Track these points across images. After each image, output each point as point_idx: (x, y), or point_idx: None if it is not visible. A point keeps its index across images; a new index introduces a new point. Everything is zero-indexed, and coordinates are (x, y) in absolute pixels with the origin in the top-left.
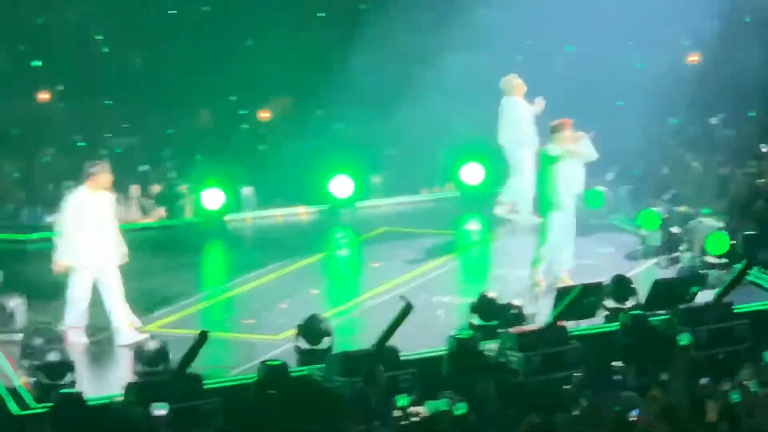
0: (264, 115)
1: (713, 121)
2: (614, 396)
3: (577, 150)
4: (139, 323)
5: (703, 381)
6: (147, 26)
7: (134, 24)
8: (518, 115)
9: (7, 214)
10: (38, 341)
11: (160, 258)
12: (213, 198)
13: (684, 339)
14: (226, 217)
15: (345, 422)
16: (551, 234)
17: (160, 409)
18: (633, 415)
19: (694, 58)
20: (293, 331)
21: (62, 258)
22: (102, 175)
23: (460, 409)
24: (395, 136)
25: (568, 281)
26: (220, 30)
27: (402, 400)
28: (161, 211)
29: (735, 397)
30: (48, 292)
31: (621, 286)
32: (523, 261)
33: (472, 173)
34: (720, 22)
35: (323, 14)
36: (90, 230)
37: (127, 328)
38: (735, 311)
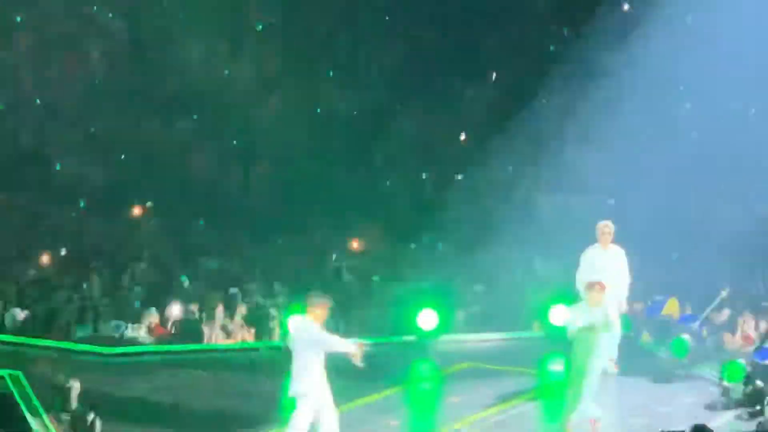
0: (355, 245)
1: None
2: None
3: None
4: None
5: None
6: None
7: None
8: (602, 264)
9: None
10: None
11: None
12: None
13: None
14: None
15: None
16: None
17: None
18: None
19: None
20: None
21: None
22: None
23: None
24: (483, 274)
25: None
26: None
27: None
28: (246, 333)
29: None
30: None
31: None
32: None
33: (560, 315)
34: None
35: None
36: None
37: None
38: None
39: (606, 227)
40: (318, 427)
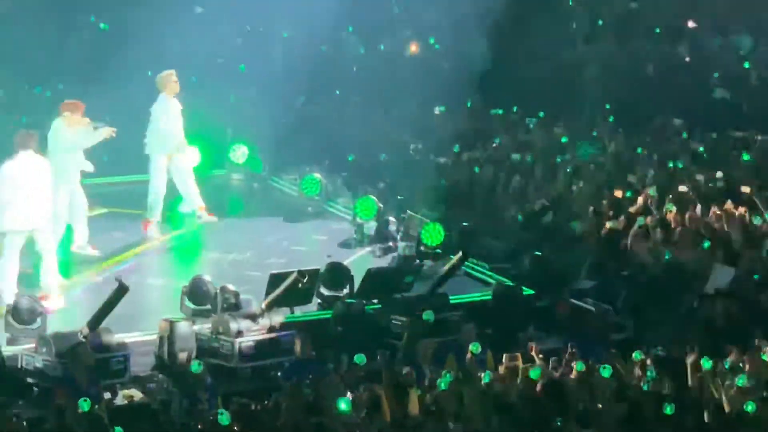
0: None
1: (437, 110)
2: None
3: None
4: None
5: (406, 369)
6: None
7: None
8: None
9: None
10: None
11: None
12: None
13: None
14: None
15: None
16: None
17: None
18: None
19: (414, 48)
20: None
21: None
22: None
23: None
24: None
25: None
26: None
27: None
28: None
29: (442, 385)
30: None
31: (335, 274)
32: (236, 246)
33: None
34: (441, 12)
35: None
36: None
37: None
38: (451, 302)
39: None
40: None
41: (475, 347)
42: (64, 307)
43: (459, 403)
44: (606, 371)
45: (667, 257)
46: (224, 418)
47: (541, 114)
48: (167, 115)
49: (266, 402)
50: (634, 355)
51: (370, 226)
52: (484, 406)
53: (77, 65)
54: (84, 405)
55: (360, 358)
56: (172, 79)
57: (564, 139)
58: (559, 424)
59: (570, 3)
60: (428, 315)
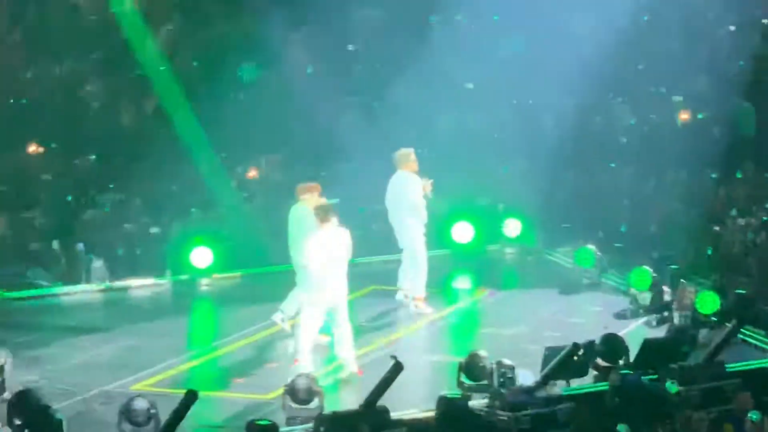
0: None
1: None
2: None
3: None
4: None
5: None
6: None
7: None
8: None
9: None
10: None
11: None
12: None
13: (672, 389)
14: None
15: None
16: None
17: None
18: None
19: (685, 115)
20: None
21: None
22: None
23: None
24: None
25: None
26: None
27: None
28: None
29: None
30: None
31: (611, 345)
32: (511, 320)
33: (463, 232)
34: (711, 77)
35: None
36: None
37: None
38: (727, 370)
39: (411, 153)
40: None
41: (754, 415)
42: (342, 385)
43: None
44: None
45: None
46: None
47: None
48: (415, 186)
49: None
50: None
51: (645, 297)
52: None
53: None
54: None
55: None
56: (411, 158)
57: None
58: None
59: None
60: (671, 386)
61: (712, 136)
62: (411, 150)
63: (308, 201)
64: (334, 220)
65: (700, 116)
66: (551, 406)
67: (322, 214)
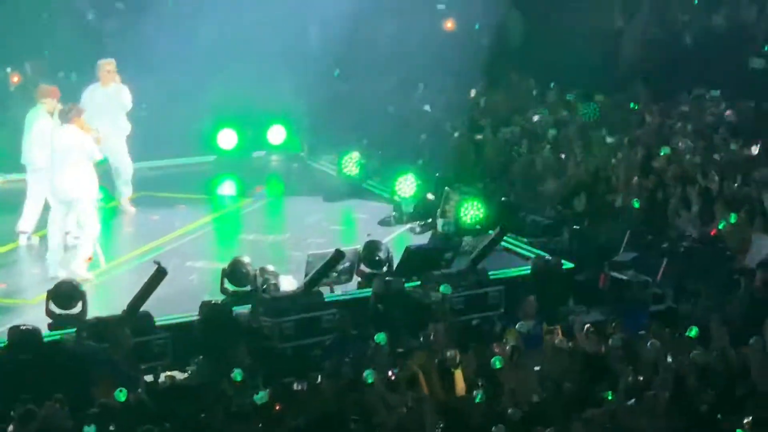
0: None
1: (473, 92)
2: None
3: None
4: None
5: (450, 353)
6: None
7: None
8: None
9: None
10: None
11: None
12: None
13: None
14: None
15: (94, 388)
16: None
17: None
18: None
19: (450, 24)
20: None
21: None
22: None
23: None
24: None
25: None
26: None
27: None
28: None
29: (497, 363)
30: None
31: (375, 252)
32: (275, 226)
33: (228, 138)
34: None
35: None
36: None
37: None
38: (490, 277)
39: (108, 65)
40: None
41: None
42: (104, 291)
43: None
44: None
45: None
46: (261, 397)
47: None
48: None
49: (307, 381)
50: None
51: (409, 204)
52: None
53: None
54: (120, 396)
55: (380, 338)
56: (105, 68)
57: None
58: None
59: None
60: (445, 288)
61: (479, 45)
62: (110, 61)
63: (47, 104)
64: (79, 121)
65: (477, 27)
66: (314, 312)
67: (64, 115)
